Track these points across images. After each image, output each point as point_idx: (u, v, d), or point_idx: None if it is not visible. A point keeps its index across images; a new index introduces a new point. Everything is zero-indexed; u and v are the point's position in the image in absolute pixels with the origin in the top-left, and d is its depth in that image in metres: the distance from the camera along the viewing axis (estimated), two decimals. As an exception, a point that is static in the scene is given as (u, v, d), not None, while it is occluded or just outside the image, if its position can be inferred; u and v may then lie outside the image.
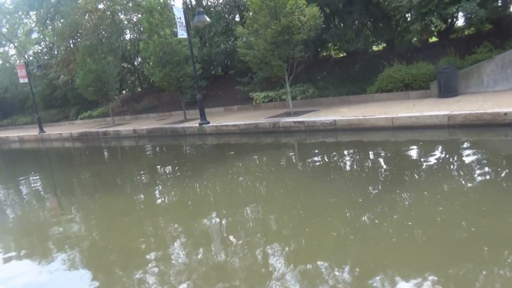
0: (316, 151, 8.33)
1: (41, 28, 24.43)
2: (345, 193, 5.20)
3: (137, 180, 8.00)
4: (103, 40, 20.43)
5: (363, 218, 4.23)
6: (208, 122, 12.71)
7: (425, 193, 4.74)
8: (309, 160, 7.60)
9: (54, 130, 21.11)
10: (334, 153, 7.85)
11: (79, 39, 22.36)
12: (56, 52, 24.35)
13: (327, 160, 7.37)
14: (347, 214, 4.44)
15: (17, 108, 31.90)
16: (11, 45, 32.69)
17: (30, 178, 10.42)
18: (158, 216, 5.38)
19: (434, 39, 15.85)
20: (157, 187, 7.06)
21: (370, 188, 5.18)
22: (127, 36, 23.54)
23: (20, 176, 10.80)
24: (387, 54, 15.17)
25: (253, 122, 11.41)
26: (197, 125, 12.86)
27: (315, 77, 15.84)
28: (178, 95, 19.41)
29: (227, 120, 13.03)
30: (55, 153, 16.41)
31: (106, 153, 13.58)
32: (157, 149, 12.50)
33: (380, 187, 5.23)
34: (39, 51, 26.95)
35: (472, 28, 13.18)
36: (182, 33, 12.07)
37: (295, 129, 10.41)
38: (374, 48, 17.40)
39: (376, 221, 4.10)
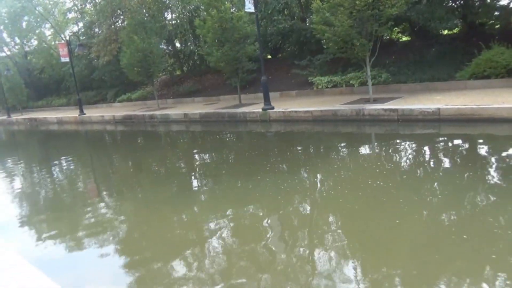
0: (437, 147, 6.93)
1: (80, 6, 23.51)
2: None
3: (229, 174, 6.79)
4: (146, 19, 19.28)
5: None
6: (273, 107, 11.43)
7: None
8: (432, 155, 6.22)
9: (92, 112, 20.31)
10: (461, 149, 6.45)
11: (120, 18, 21.35)
12: (95, 31, 23.45)
13: (461, 159, 5.98)
14: None
15: (52, 89, 31.36)
16: (47, 25, 32.19)
17: (99, 168, 9.46)
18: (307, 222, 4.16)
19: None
20: (266, 184, 5.82)
21: None
22: (168, 16, 22.44)
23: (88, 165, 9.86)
24: (466, 37, 13.48)
25: (330, 108, 10.05)
26: (260, 110, 11.60)
27: (382, 62, 14.25)
28: (225, 79, 18.22)
29: (289, 105, 11.70)
30: (104, 137, 15.47)
31: (162, 139, 12.45)
32: (220, 136, 11.27)
33: None
34: (77, 31, 26.13)
35: None
36: (249, 7, 10.74)
37: (384, 118, 8.99)
38: (446, 31, 15.67)
39: None
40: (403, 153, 6.58)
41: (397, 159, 6.25)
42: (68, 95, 28.54)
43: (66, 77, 27.43)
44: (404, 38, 17.27)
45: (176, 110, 15.58)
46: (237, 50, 12.67)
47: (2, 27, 32.99)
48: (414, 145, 6.98)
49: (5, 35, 33.81)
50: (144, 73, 16.56)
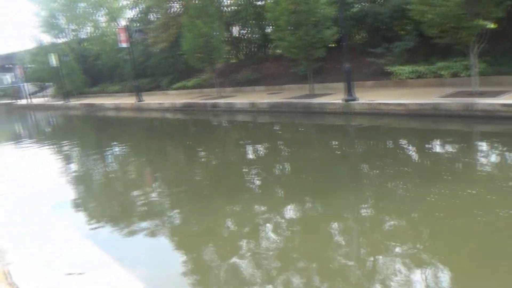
0: None
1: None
2: None
3: (354, 175, 5.89)
4: (205, 3, 18.56)
5: None
6: (356, 99, 10.34)
7: None
8: None
9: (148, 99, 20.05)
10: None
11: (178, 3, 20.83)
12: (151, 17, 23.13)
13: None
14: None
15: (106, 75, 31.67)
16: (101, 12, 32.50)
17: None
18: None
19: None
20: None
21: None
22: (225, 2, 21.64)
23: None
24: None
25: (430, 101, 8.82)
26: (339, 101, 10.55)
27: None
28: (289, 66, 17.23)
29: (371, 96, 10.53)
30: (174, 125, 14.77)
31: (238, 130, 11.59)
32: (305, 129, 10.27)
33: None
34: (132, 17, 25.99)
35: None
36: (335, -15, 9.66)
37: (501, 115, 7.69)
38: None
39: None
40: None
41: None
42: (122, 81, 28.62)
43: (121, 64, 27.45)
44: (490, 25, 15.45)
45: (239, 99, 14.81)
46: (313, 35, 11.62)
47: (59, 14, 33.73)
48: None
49: (62, 22, 34.54)
50: (206, 59, 15.90)
